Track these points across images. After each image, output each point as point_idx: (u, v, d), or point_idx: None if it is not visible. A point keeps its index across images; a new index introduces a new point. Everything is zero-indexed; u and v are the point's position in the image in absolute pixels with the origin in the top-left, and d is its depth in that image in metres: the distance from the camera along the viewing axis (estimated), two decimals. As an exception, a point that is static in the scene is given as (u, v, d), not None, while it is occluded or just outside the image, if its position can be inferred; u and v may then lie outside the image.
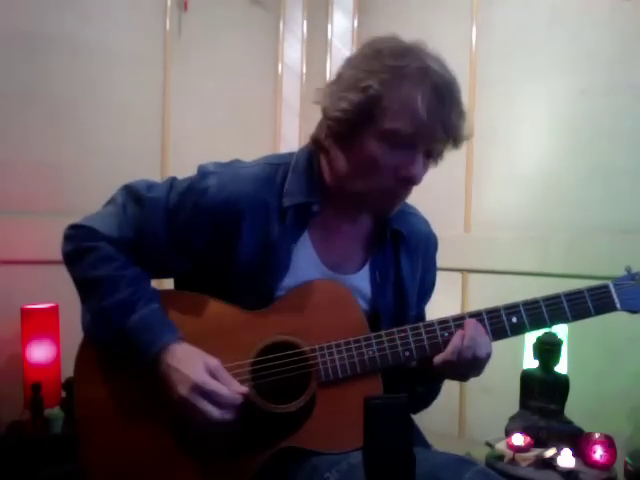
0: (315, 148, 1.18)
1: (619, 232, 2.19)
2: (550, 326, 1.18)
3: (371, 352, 1.12)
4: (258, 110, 2.91)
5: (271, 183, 1.16)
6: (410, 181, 1.10)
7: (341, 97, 1.08)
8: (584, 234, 2.27)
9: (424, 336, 1.13)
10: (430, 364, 1.13)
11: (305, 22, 3.07)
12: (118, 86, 2.40)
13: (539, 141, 2.42)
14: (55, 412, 1.94)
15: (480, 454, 1.92)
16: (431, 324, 1.14)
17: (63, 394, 2.01)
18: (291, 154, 1.22)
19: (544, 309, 1.14)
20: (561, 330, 2.02)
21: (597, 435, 1.87)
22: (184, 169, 1.22)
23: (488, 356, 1.13)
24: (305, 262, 1.17)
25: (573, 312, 1.15)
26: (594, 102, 2.27)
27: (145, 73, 2.49)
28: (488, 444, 1.97)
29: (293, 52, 3.03)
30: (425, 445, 1.25)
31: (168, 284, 1.30)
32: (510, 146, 2.50)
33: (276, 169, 1.18)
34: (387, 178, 1.09)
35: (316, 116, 1.17)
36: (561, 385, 1.98)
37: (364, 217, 1.22)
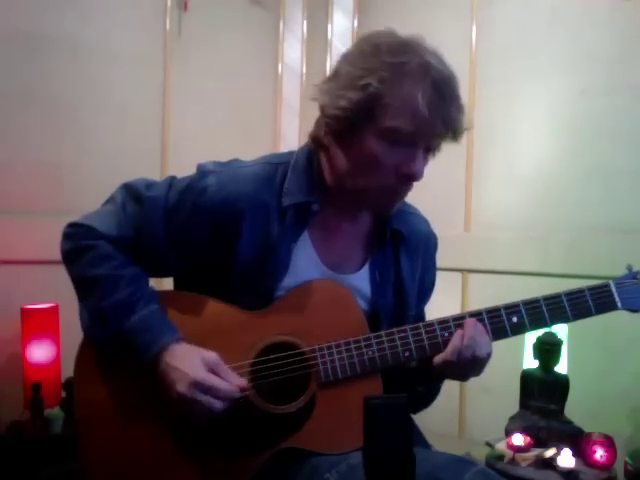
0: (314, 146, 1.17)
1: (619, 232, 2.19)
2: (551, 325, 1.18)
3: (371, 352, 1.12)
4: (258, 110, 2.91)
5: (271, 182, 1.16)
6: (411, 178, 1.09)
7: (340, 95, 1.07)
8: (584, 234, 2.27)
9: (424, 336, 1.13)
10: (430, 364, 1.13)
11: (305, 22, 3.07)
12: (118, 86, 2.40)
13: (539, 141, 2.42)
14: (55, 412, 1.94)
15: (480, 454, 1.92)
16: (431, 324, 1.14)
17: (63, 394, 2.01)
18: (291, 153, 1.22)
19: (544, 308, 1.14)
20: (561, 330, 2.02)
21: (597, 435, 1.87)
22: (184, 169, 1.22)
23: (488, 356, 1.12)
24: (305, 262, 1.17)
25: (574, 311, 1.14)
26: (594, 102, 2.27)
27: (145, 73, 2.49)
28: (488, 444, 1.97)
29: (293, 52, 3.03)
30: (425, 445, 1.25)
31: (168, 284, 1.30)
32: (510, 146, 2.50)
33: (276, 168, 1.18)
34: (388, 175, 1.09)
35: (316, 116, 1.16)
36: (561, 385, 1.98)
37: (364, 216, 1.22)
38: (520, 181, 2.46)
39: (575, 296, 1.15)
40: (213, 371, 1.07)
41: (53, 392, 2.00)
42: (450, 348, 1.10)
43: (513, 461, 1.86)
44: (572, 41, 2.34)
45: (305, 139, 1.21)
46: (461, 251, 2.51)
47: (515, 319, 1.14)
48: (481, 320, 1.13)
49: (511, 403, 2.04)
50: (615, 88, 2.23)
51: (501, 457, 1.89)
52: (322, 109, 1.11)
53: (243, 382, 1.08)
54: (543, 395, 1.97)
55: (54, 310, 2.07)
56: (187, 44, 2.60)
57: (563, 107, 2.36)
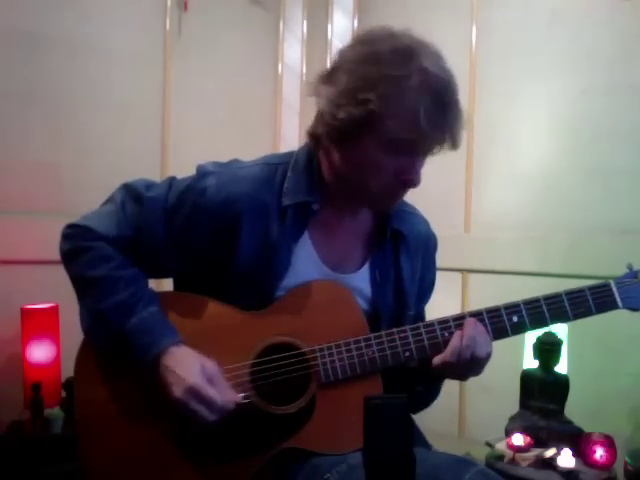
0: (313, 143, 1.17)
1: (619, 232, 2.19)
2: (551, 325, 1.18)
3: (371, 353, 1.12)
4: (258, 110, 2.91)
5: (270, 183, 1.16)
6: (409, 185, 1.11)
7: (339, 105, 1.05)
8: (584, 234, 2.27)
9: (424, 336, 1.13)
10: (430, 364, 1.13)
11: (305, 22, 3.07)
12: (118, 86, 2.40)
13: (539, 141, 2.42)
14: (55, 412, 1.93)
15: (480, 454, 1.92)
16: (431, 324, 1.14)
17: (63, 394, 2.01)
18: (290, 153, 1.22)
19: (545, 308, 1.14)
20: (561, 330, 2.02)
21: (597, 435, 1.87)
22: (184, 169, 1.22)
23: (488, 356, 1.12)
24: (305, 262, 1.17)
25: (574, 311, 1.15)
26: (594, 102, 2.27)
27: (145, 73, 2.49)
28: (488, 444, 1.97)
29: (293, 52, 3.03)
30: (425, 445, 1.25)
31: (167, 285, 1.29)
32: (510, 146, 2.50)
33: (275, 169, 1.18)
34: (386, 180, 1.09)
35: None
36: (561, 385, 1.98)
37: (364, 215, 1.22)
38: (520, 181, 2.45)
39: (575, 295, 1.15)
40: (211, 382, 1.07)
41: (53, 392, 2.00)
42: (449, 349, 1.10)
43: (513, 461, 1.86)
44: (572, 41, 2.34)
45: (305, 139, 1.21)
46: (461, 251, 2.51)
47: (515, 319, 1.14)
48: (481, 320, 1.13)
49: (511, 403, 2.04)
50: (615, 88, 2.23)
51: (501, 457, 1.89)
52: (321, 114, 1.10)
53: (239, 398, 1.08)
54: (543, 395, 1.97)
55: (54, 310, 2.07)
56: (187, 44, 2.60)
57: (563, 107, 2.36)
